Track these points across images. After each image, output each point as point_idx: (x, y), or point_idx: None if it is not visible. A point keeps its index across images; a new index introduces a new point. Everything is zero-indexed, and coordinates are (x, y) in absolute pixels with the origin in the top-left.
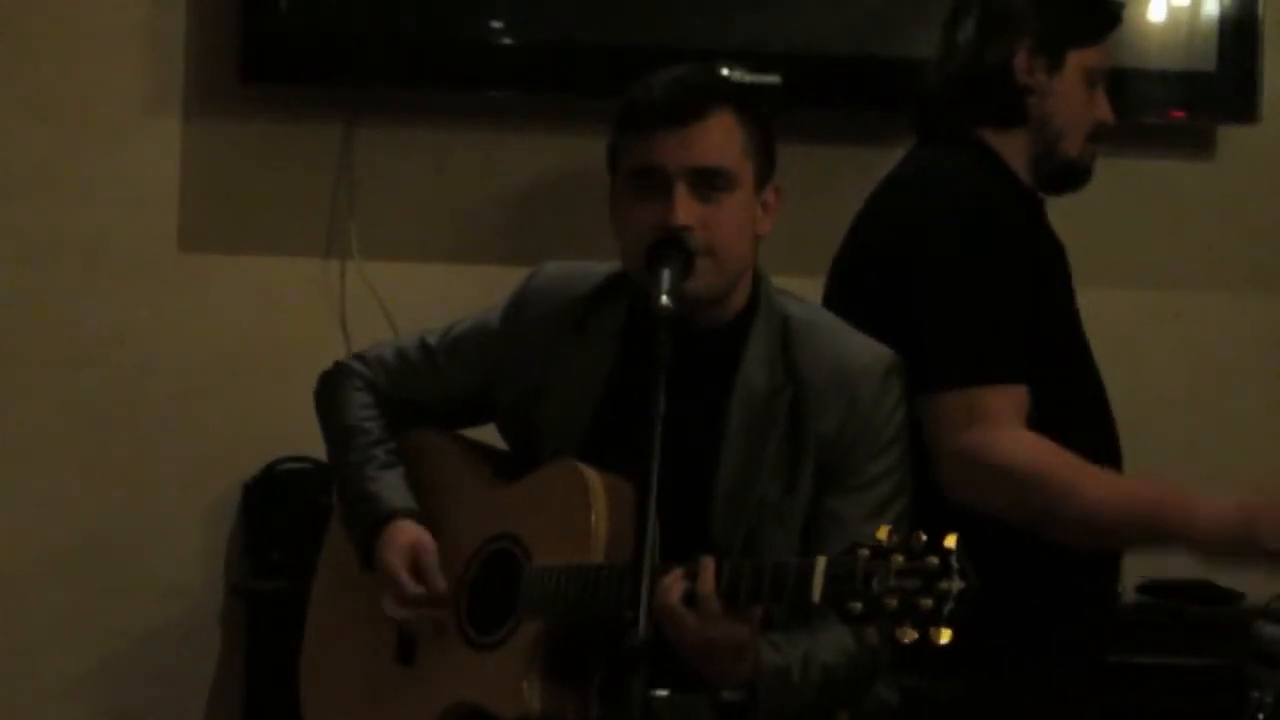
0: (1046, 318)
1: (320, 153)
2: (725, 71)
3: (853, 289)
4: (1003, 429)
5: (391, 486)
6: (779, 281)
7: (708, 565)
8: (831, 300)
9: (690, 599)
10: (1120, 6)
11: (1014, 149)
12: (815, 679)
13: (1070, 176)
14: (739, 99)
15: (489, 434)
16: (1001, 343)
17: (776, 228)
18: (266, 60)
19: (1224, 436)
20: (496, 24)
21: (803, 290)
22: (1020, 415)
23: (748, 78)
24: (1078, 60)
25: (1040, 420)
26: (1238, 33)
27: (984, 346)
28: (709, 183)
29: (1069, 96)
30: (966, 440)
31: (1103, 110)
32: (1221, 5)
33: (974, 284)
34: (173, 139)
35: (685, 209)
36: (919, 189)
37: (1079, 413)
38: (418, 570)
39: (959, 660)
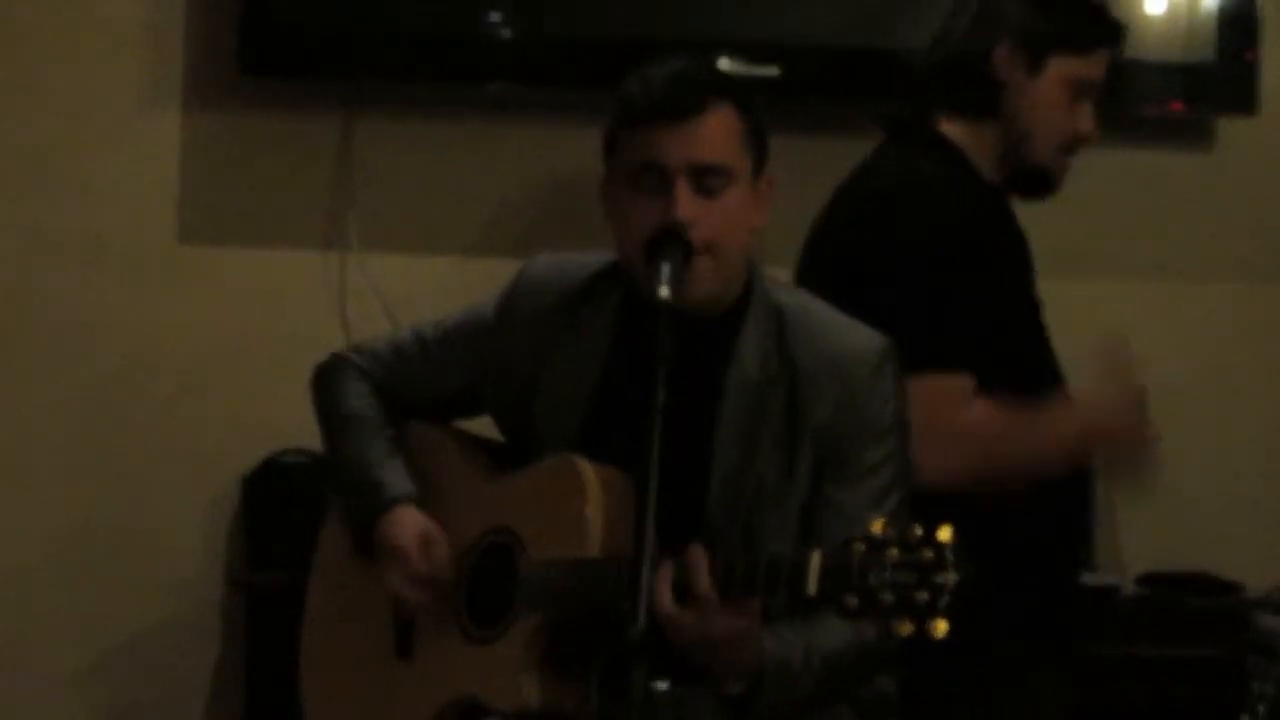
0: (1002, 314)
1: (319, 145)
2: (723, 63)
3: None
4: (960, 406)
5: (397, 473)
6: (780, 273)
7: (700, 562)
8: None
9: (684, 595)
10: (1120, 29)
11: (980, 143)
12: (817, 668)
13: (1036, 182)
14: (736, 92)
15: (485, 426)
16: (955, 333)
17: (775, 220)
18: (266, 53)
19: (1222, 428)
20: (495, 17)
21: None
22: (969, 400)
23: (746, 70)
24: (1061, 67)
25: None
26: (1236, 24)
27: (938, 336)
28: (709, 179)
29: (1044, 100)
30: (938, 418)
31: (1084, 123)
32: None
33: (930, 277)
34: (172, 132)
35: (686, 204)
36: (885, 187)
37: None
38: (429, 555)
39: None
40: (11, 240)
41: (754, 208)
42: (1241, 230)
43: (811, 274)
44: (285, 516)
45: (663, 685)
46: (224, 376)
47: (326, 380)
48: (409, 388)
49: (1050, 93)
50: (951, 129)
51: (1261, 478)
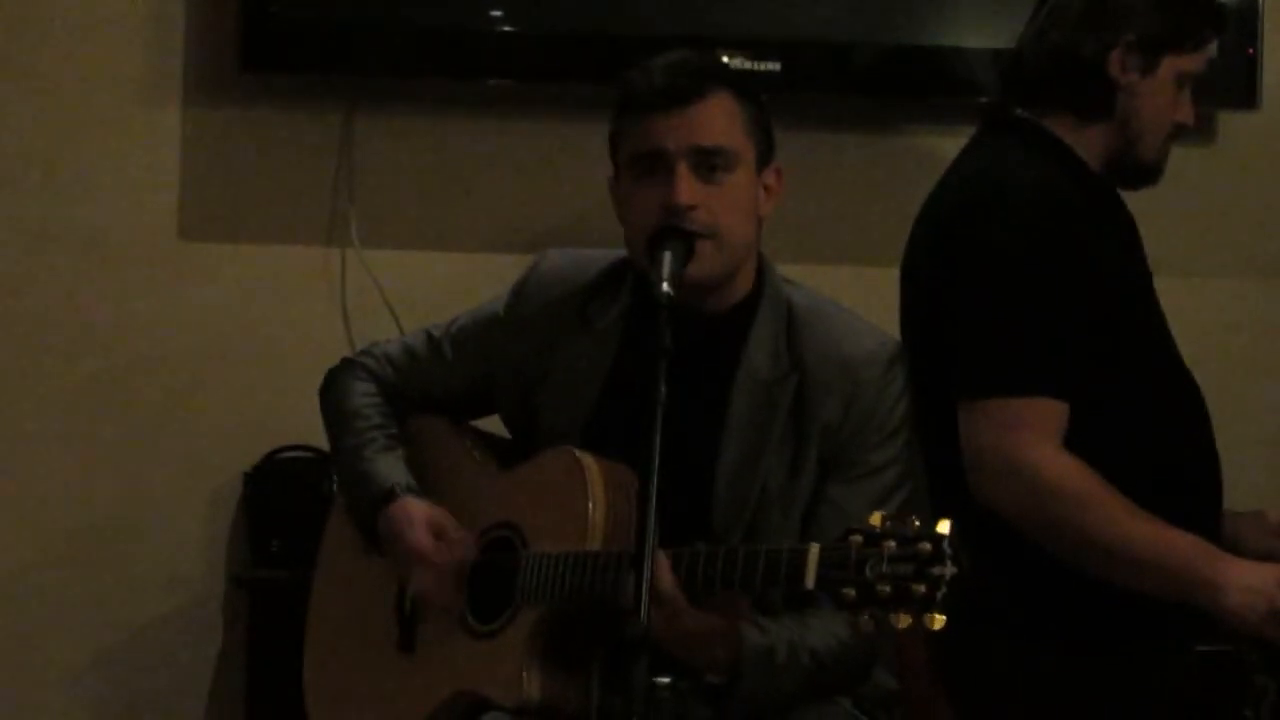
0: (1115, 320)
1: (320, 141)
2: (725, 59)
3: (914, 286)
4: (1048, 440)
5: (389, 465)
6: (782, 269)
7: (662, 564)
8: (903, 297)
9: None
10: (1226, 17)
11: (1089, 142)
12: (804, 663)
13: (1142, 175)
14: (736, 81)
15: (494, 423)
16: (1049, 354)
17: (778, 215)
18: (266, 48)
19: (1225, 424)
20: (496, 12)
21: (806, 277)
22: (1061, 432)
23: (747, 65)
24: (1173, 64)
25: (1120, 424)
26: (1237, 19)
27: (1030, 356)
28: (710, 162)
29: (1156, 98)
30: (1010, 443)
31: (1184, 112)
32: None
33: (1026, 290)
34: (173, 127)
35: (688, 189)
36: (984, 184)
37: (1157, 414)
38: (447, 546)
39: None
40: (12, 235)
41: (760, 197)
42: (1243, 225)
43: (909, 281)
44: (287, 512)
45: (664, 680)
46: (225, 372)
47: (334, 384)
48: (421, 387)
49: (1162, 91)
50: (1057, 125)
51: (1265, 472)
